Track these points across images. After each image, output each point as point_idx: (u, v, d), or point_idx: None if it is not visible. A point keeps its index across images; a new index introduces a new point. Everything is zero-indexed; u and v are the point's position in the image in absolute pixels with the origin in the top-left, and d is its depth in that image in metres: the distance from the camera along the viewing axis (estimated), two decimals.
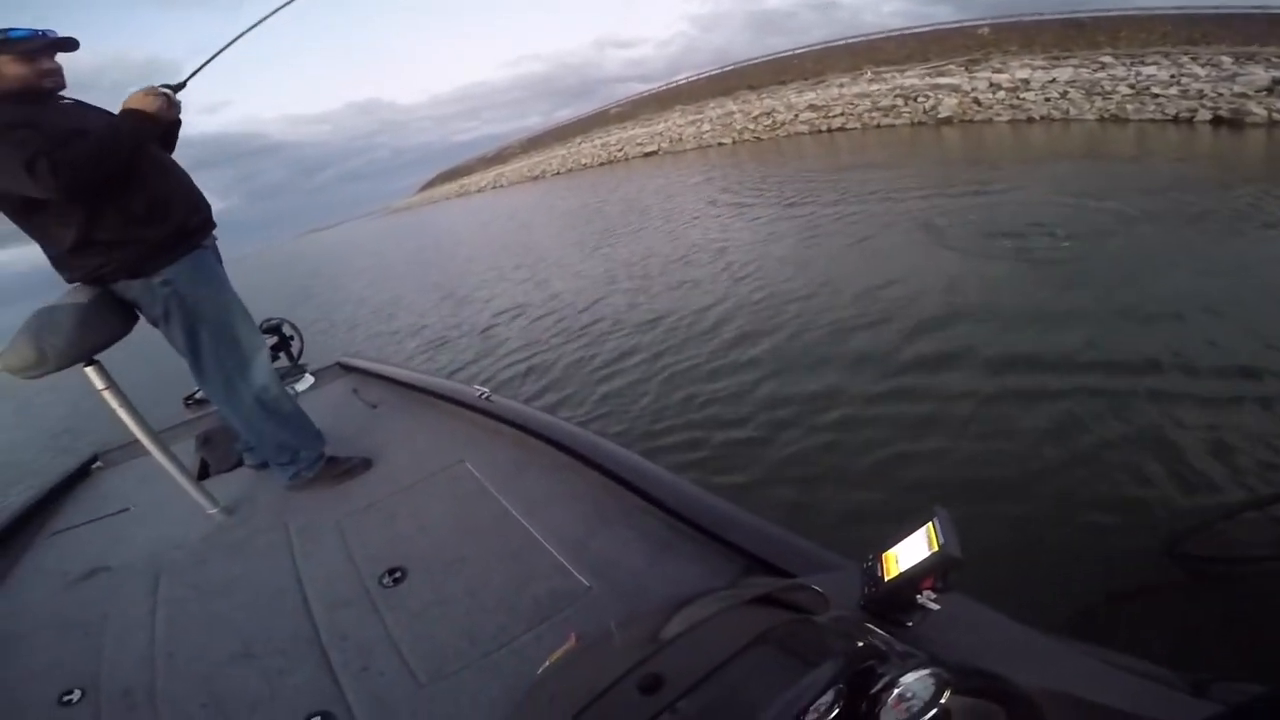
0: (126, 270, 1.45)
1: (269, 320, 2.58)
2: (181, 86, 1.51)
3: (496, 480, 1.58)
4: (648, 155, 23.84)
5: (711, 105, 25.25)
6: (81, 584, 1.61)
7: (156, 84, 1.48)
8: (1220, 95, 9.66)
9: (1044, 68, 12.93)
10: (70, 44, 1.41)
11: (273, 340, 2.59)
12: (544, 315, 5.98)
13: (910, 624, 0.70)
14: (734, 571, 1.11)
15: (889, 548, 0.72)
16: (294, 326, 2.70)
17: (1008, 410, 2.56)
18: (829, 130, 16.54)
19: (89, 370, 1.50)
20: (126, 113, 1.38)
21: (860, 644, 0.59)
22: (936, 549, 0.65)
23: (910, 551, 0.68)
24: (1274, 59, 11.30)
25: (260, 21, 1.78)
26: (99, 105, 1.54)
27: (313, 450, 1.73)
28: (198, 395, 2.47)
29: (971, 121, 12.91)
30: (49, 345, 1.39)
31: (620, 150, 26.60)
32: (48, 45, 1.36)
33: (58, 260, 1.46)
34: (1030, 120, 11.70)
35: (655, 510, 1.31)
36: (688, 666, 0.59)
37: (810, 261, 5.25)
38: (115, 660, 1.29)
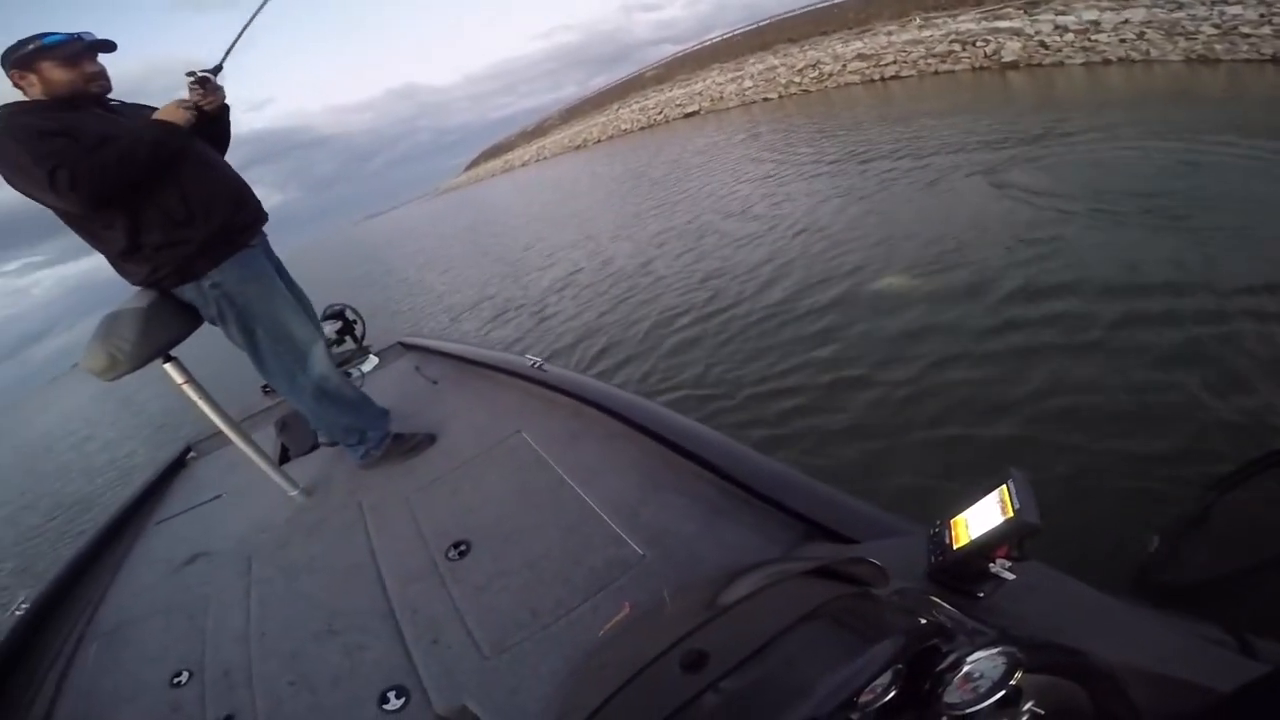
0: (175, 274, 1.47)
1: (332, 306, 2.70)
2: (218, 69, 1.52)
3: (552, 450, 1.60)
4: (689, 116, 23.29)
5: (751, 61, 24.19)
6: (184, 570, 1.73)
7: (196, 69, 1.50)
8: None
9: (1113, 8, 11.58)
10: (108, 46, 1.43)
11: (337, 325, 2.72)
12: (595, 282, 6.03)
13: (981, 595, 0.67)
14: (792, 538, 1.08)
15: (958, 513, 0.69)
16: (355, 311, 2.81)
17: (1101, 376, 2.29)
18: (882, 79, 15.58)
19: (167, 366, 1.56)
20: (153, 123, 1.40)
21: (923, 620, 0.56)
22: (1011, 515, 0.62)
23: (982, 517, 0.65)
24: None
25: None
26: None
27: (378, 430, 1.79)
28: None
29: (1040, 65, 11.79)
30: (116, 350, 1.44)
31: (660, 113, 26.06)
32: (86, 48, 1.38)
33: (115, 266, 1.50)
34: (1106, 62, 10.60)
35: (709, 476, 1.30)
36: (734, 643, 0.57)
37: (868, 218, 4.93)
38: (216, 642, 1.39)
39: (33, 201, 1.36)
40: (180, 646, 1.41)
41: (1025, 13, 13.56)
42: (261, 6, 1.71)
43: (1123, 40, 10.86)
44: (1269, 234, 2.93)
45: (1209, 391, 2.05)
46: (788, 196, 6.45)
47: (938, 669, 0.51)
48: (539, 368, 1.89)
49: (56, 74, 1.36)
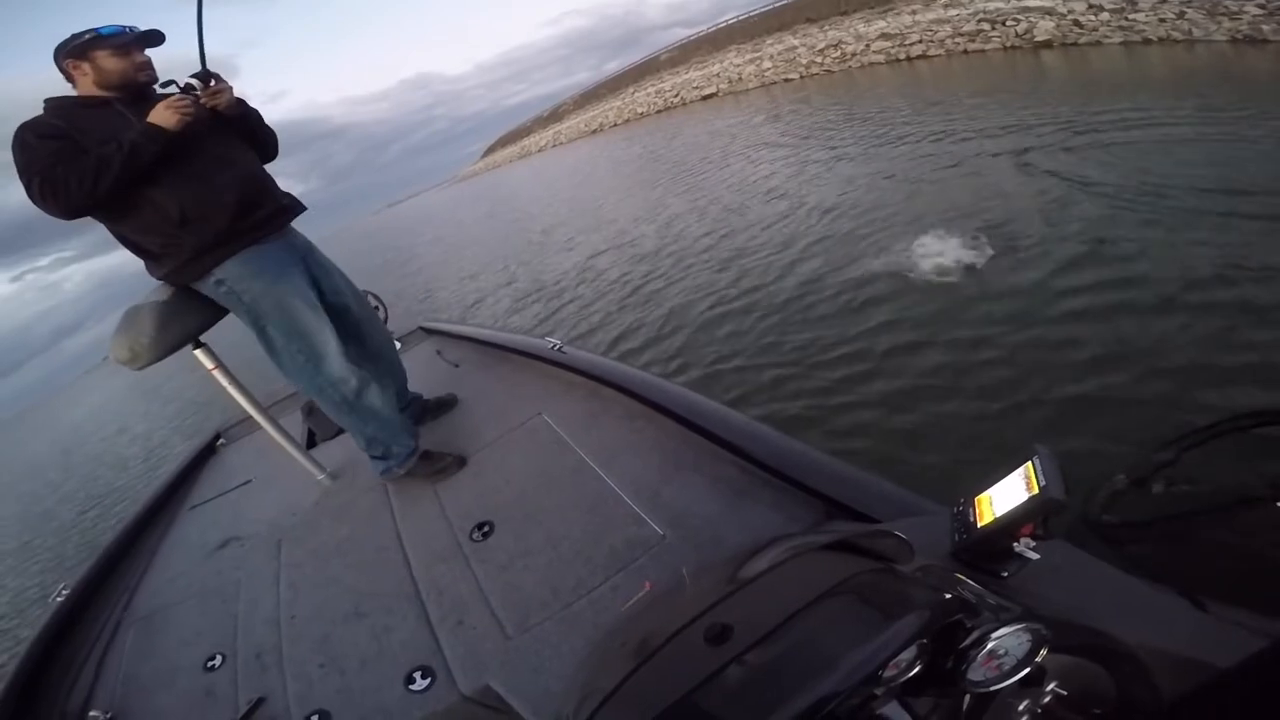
0: (182, 272, 1.46)
1: None
2: (206, 74, 1.48)
3: (573, 431, 1.61)
4: (706, 98, 22.94)
5: (770, 42, 23.74)
6: (217, 554, 1.77)
7: (175, 80, 1.46)
8: None
9: None
10: (156, 37, 1.45)
11: None
12: (616, 265, 6.06)
13: (1005, 574, 0.67)
14: (813, 518, 1.08)
15: (982, 491, 0.68)
16: (378, 298, 2.84)
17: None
18: (908, 59, 15.12)
19: (197, 353, 1.59)
20: (138, 127, 1.34)
21: (948, 595, 0.55)
22: (1036, 492, 0.61)
23: (1007, 495, 0.65)
24: None
25: None
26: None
27: (404, 446, 1.68)
28: None
29: (1075, 44, 11.32)
30: (136, 343, 1.47)
31: (676, 95, 25.78)
32: (136, 39, 1.42)
33: (144, 260, 1.51)
34: (1146, 42, 10.13)
35: (729, 456, 1.29)
36: (758, 616, 0.56)
37: (896, 200, 4.79)
38: (248, 626, 1.42)
39: None
40: (214, 630, 1.45)
41: None
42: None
43: (1162, 20, 10.36)
44: None
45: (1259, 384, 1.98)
46: (812, 177, 6.35)
47: (962, 645, 0.51)
48: (559, 350, 1.89)
49: (109, 63, 1.39)
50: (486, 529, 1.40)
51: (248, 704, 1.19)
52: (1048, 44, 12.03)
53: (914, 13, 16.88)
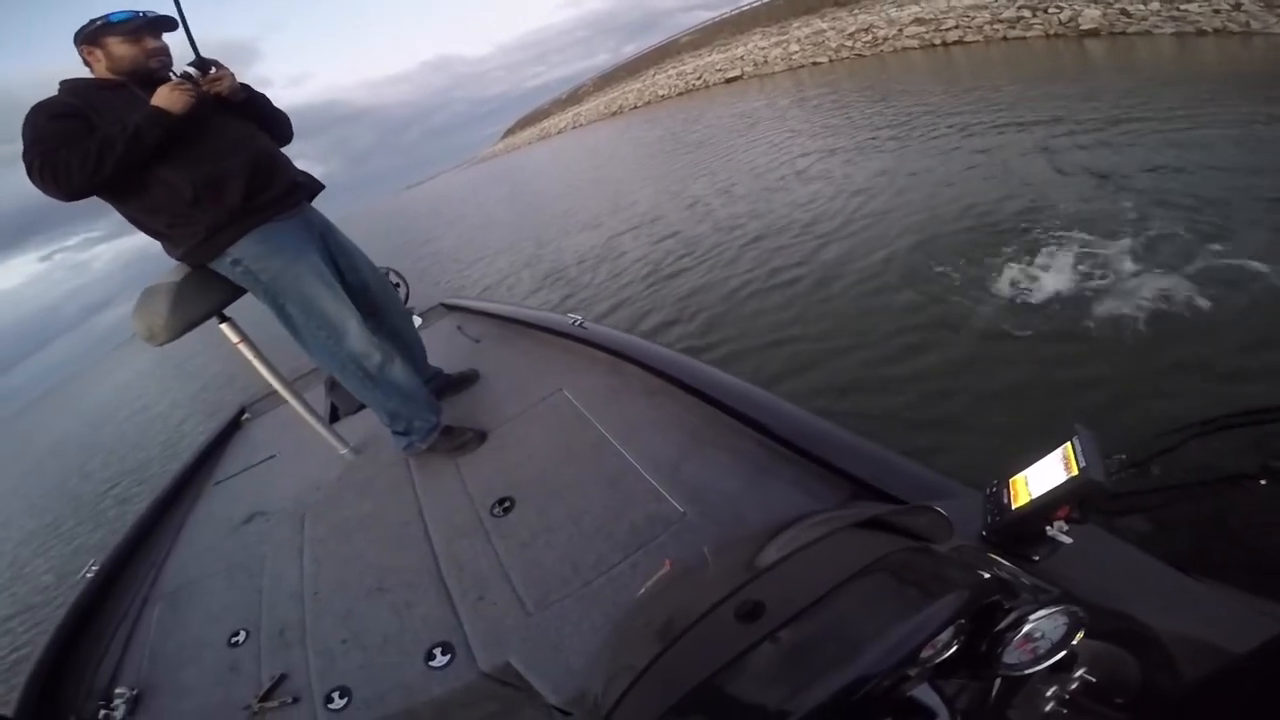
0: (196, 252, 1.46)
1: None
2: (201, 61, 1.46)
3: (593, 407, 1.60)
4: (730, 81, 22.60)
5: (796, 25, 23.26)
6: (242, 529, 1.78)
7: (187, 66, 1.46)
8: None
9: None
10: (169, 22, 1.44)
11: None
12: (637, 246, 6.04)
13: (1037, 559, 0.65)
14: (837, 498, 1.06)
15: (1018, 472, 0.67)
16: (399, 275, 2.86)
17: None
18: (944, 44, 14.69)
19: (223, 327, 1.58)
20: (142, 110, 1.33)
21: (986, 575, 0.54)
22: (1076, 473, 0.60)
23: (1044, 476, 0.63)
24: None
25: None
26: None
27: (426, 421, 1.69)
28: None
29: (1123, 34, 10.81)
30: (153, 322, 1.48)
31: (699, 78, 25.45)
32: (146, 24, 1.41)
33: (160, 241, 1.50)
34: (1200, 33, 9.65)
35: (751, 432, 1.27)
36: (792, 593, 0.54)
37: (926, 186, 4.66)
38: (272, 601, 1.43)
39: None
40: (238, 606, 1.46)
41: None
42: None
43: (1216, 10, 9.89)
44: None
45: None
46: (842, 162, 6.23)
47: (998, 627, 0.50)
48: (580, 325, 1.88)
49: (121, 49, 1.39)
50: (507, 504, 1.40)
51: (270, 680, 1.20)
52: (1093, 32, 11.54)
53: None
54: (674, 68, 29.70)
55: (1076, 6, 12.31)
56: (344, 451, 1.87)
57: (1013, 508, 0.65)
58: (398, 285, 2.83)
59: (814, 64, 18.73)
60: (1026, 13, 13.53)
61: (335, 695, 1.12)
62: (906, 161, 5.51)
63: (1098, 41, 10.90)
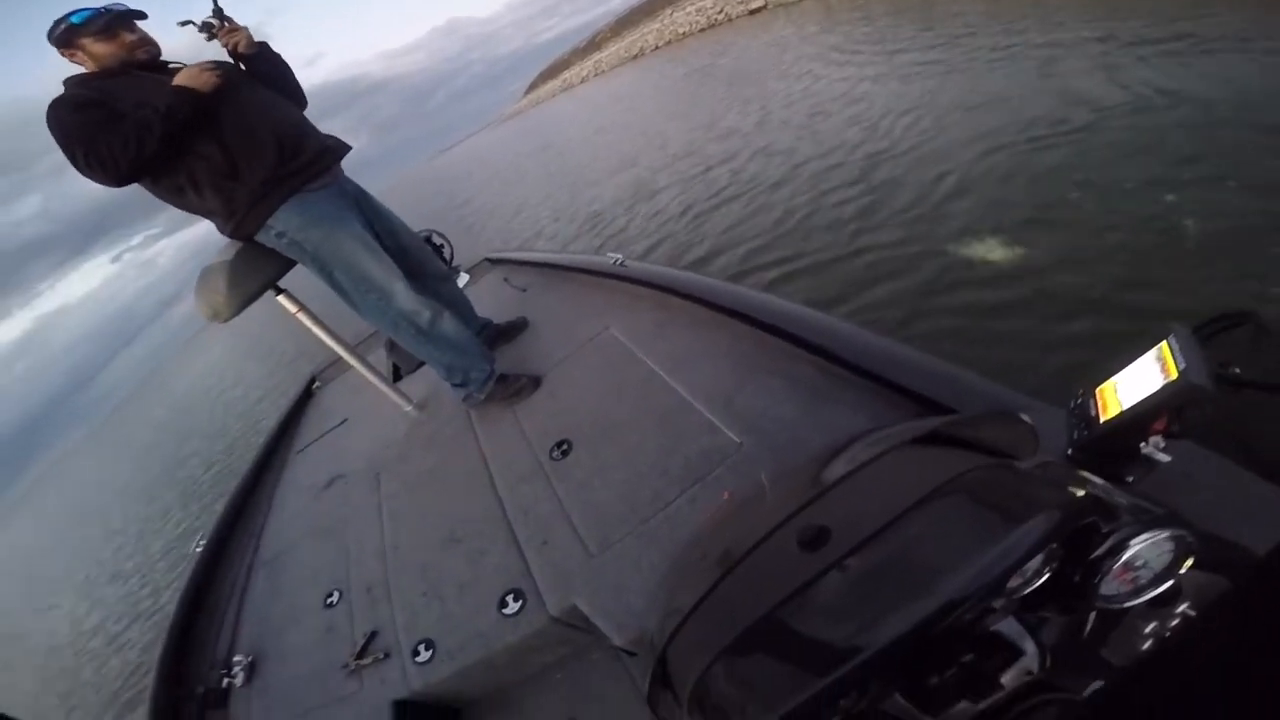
0: (240, 228, 1.47)
1: (420, 233, 2.78)
2: (220, 12, 1.46)
3: (641, 342, 1.58)
4: (754, 12, 21.24)
5: None
6: (324, 494, 1.86)
7: (193, 19, 1.46)
8: None
9: None
10: (137, 15, 1.43)
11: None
12: (671, 184, 5.95)
13: (1131, 480, 0.58)
14: (901, 418, 0.99)
15: (1105, 380, 0.59)
16: (442, 235, 2.88)
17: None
18: None
19: (280, 299, 1.61)
20: (169, 90, 1.33)
21: (1080, 494, 0.47)
22: (1175, 376, 0.52)
23: (1136, 383, 0.55)
24: None
25: None
26: None
27: (481, 371, 1.73)
28: None
29: None
30: (214, 301, 1.51)
31: (720, 11, 24.09)
32: (114, 19, 1.38)
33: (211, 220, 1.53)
34: None
35: (805, 355, 1.21)
36: (858, 517, 0.49)
37: (976, 107, 4.29)
38: (359, 559, 1.49)
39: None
40: (329, 567, 1.53)
41: None
42: None
43: None
44: None
45: None
46: (878, 89, 5.80)
47: (1095, 555, 0.45)
48: (621, 264, 1.85)
49: (98, 48, 1.38)
50: (565, 447, 1.40)
51: (364, 638, 1.26)
52: None
53: None
54: (692, 3, 28.02)
55: None
56: (409, 409, 1.92)
57: (1101, 421, 0.57)
58: (441, 246, 2.85)
59: None
60: None
61: (421, 648, 1.17)
62: (951, 83, 5.08)
63: None
